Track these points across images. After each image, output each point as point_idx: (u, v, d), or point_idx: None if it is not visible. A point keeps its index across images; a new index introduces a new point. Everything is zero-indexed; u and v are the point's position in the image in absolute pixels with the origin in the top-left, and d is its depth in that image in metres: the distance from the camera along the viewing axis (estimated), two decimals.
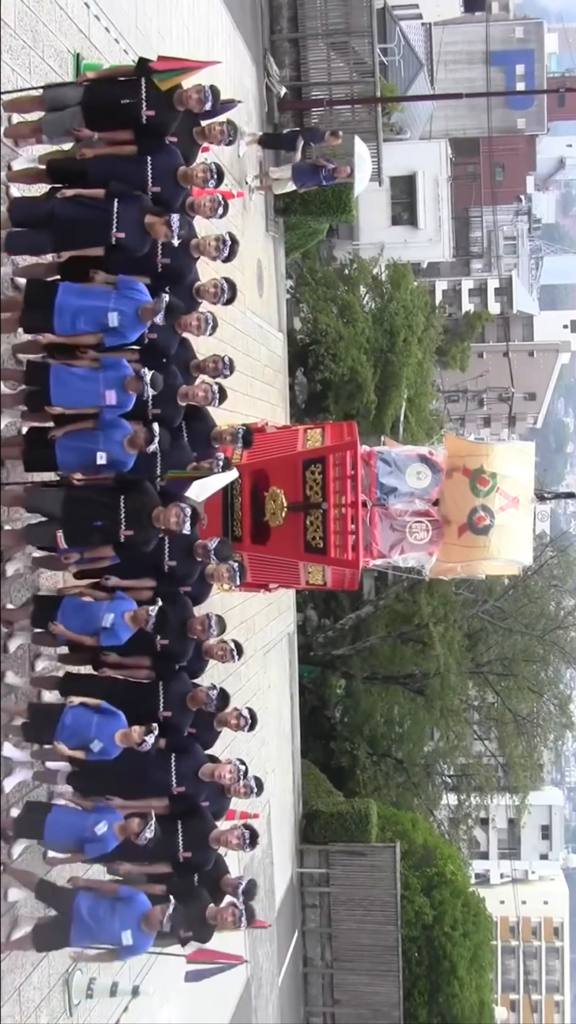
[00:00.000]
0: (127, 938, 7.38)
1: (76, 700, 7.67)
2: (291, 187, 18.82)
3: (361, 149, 19.86)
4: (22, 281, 8.07)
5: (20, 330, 8.38)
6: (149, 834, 7.33)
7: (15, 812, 7.92)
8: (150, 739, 7.46)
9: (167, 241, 7.71)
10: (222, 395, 8.41)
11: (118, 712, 7.57)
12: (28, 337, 8.32)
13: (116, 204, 7.52)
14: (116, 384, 7.49)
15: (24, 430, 8.04)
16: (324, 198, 21.11)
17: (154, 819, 7.41)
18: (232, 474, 9.50)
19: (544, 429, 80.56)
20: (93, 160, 7.79)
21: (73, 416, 7.60)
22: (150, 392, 7.57)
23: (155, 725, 7.66)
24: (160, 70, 7.77)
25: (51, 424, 7.73)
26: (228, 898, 8.28)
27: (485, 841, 58.18)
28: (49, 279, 7.91)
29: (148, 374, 7.51)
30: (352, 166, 19.36)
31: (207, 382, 8.43)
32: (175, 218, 7.60)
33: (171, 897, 7.67)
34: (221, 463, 8.91)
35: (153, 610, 7.57)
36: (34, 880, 7.79)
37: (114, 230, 7.51)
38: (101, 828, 7.37)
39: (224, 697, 8.47)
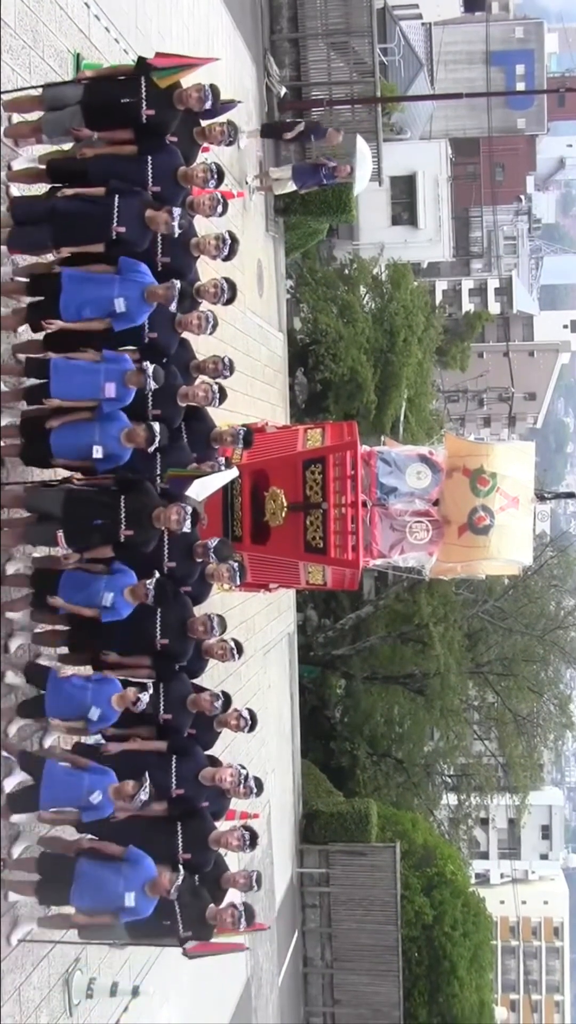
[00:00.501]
0: (130, 900, 7.37)
1: (69, 670, 7.68)
2: (291, 187, 18.79)
3: (363, 147, 19.82)
4: (23, 281, 8.07)
5: (19, 329, 8.39)
6: (144, 796, 7.37)
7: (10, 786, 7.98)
8: (145, 698, 7.50)
9: (168, 233, 7.68)
10: (222, 395, 8.40)
11: (112, 679, 7.63)
12: (28, 337, 8.32)
13: (116, 199, 7.52)
14: (117, 377, 7.47)
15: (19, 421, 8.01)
16: (324, 198, 21.11)
17: (148, 782, 7.45)
18: (232, 472, 9.49)
19: (544, 429, 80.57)
20: (93, 160, 7.78)
21: (71, 408, 7.60)
22: (152, 385, 7.54)
23: (149, 684, 7.70)
24: (159, 67, 7.77)
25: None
26: (228, 899, 8.28)
27: (485, 841, 58.18)
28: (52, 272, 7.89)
29: (150, 367, 7.50)
30: (353, 165, 19.32)
31: (207, 382, 8.41)
32: (176, 210, 7.60)
33: (180, 868, 7.67)
34: (221, 466, 8.91)
35: (151, 583, 7.55)
36: (33, 862, 7.81)
37: (115, 224, 7.50)
38: (96, 797, 7.39)
39: (227, 702, 8.48)
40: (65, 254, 7.80)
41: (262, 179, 18.83)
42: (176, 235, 7.74)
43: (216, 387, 8.34)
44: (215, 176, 7.94)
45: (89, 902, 7.55)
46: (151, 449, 7.56)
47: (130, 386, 7.50)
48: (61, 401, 7.55)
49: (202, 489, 8.43)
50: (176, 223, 7.59)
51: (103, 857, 7.57)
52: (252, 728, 8.86)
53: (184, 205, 8.06)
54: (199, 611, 8.48)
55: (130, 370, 7.49)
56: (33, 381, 7.85)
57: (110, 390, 7.44)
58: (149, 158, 7.83)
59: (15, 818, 7.92)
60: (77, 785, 7.44)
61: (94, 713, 7.49)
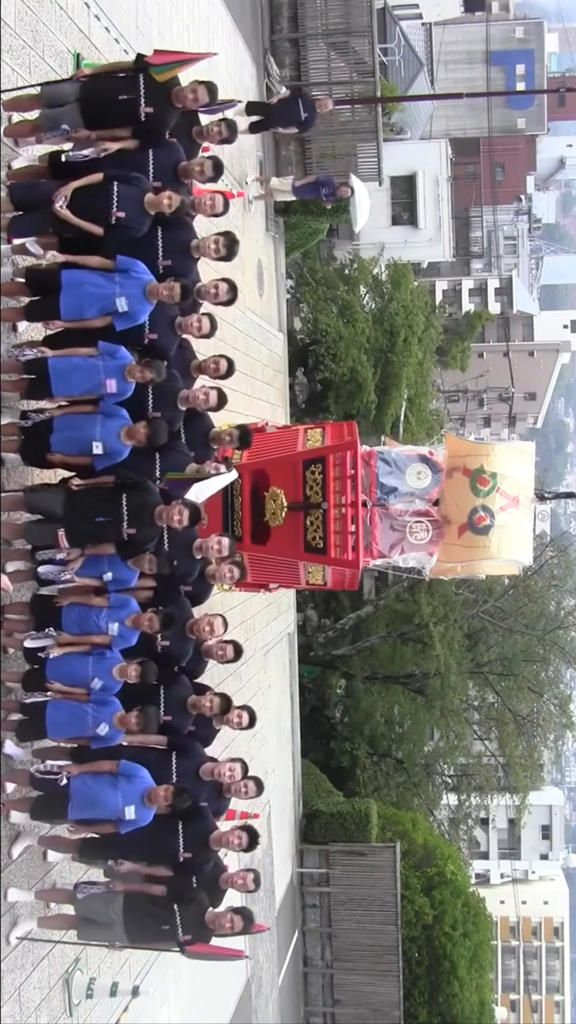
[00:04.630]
0: (130, 813, 7.43)
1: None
2: (292, 197, 18.88)
3: (360, 187, 19.98)
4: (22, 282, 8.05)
5: (19, 328, 8.39)
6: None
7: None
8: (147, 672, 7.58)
9: (169, 212, 7.65)
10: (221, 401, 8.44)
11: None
12: (27, 338, 8.32)
13: (116, 185, 7.51)
14: (117, 373, 7.47)
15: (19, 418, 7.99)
16: None
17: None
18: (231, 475, 9.49)
19: (544, 429, 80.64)
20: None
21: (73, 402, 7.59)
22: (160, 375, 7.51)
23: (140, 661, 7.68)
24: (157, 64, 7.76)
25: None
26: (227, 899, 8.27)
27: (485, 841, 58.16)
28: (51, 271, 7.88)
29: (162, 364, 7.51)
30: (355, 207, 19.53)
31: (206, 388, 8.42)
32: (177, 196, 7.61)
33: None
34: (220, 468, 8.91)
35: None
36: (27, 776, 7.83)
37: (114, 209, 7.49)
38: (103, 729, 7.48)
39: (226, 703, 8.46)
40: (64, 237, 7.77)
41: (262, 183, 18.84)
42: (181, 208, 7.72)
43: (215, 394, 8.35)
44: (214, 171, 7.95)
45: (88, 815, 7.59)
46: (154, 444, 7.55)
47: (130, 380, 7.49)
48: (64, 400, 7.55)
49: (201, 492, 8.43)
50: (176, 202, 7.61)
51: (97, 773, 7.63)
52: (252, 725, 8.86)
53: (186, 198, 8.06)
54: (198, 611, 8.49)
55: (129, 364, 7.48)
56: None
57: (111, 386, 7.44)
58: (151, 152, 7.83)
59: (10, 750, 7.97)
60: (83, 718, 7.49)
61: (96, 683, 7.49)
